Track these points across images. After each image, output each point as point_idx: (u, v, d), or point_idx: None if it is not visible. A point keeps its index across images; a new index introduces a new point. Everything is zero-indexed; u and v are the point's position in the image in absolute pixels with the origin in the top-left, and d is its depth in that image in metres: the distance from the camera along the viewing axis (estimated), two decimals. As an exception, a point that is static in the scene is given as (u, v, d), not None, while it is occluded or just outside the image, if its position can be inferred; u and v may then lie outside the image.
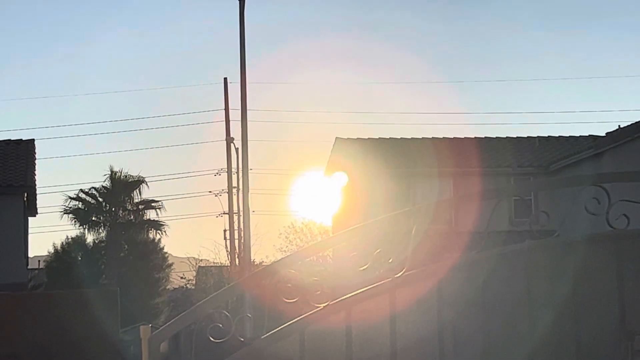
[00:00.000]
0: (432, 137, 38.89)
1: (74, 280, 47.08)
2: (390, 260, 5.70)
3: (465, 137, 39.27)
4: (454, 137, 39.13)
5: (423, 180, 34.77)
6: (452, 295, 6.12)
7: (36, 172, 34.01)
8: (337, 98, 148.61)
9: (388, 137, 39.14)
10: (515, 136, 39.54)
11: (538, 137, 39.46)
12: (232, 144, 41.84)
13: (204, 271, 47.42)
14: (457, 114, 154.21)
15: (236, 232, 41.87)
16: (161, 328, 5.65)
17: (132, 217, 58.99)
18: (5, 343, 7.86)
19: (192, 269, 50.39)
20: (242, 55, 29.11)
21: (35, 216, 37.25)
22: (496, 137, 39.35)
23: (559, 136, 39.69)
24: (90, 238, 58.25)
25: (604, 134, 34.09)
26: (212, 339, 5.64)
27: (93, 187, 58.98)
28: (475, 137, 39.26)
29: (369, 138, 38.94)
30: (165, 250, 61.07)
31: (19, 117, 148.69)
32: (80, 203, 58.38)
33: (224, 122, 43.76)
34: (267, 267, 5.90)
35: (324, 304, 5.65)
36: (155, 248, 59.61)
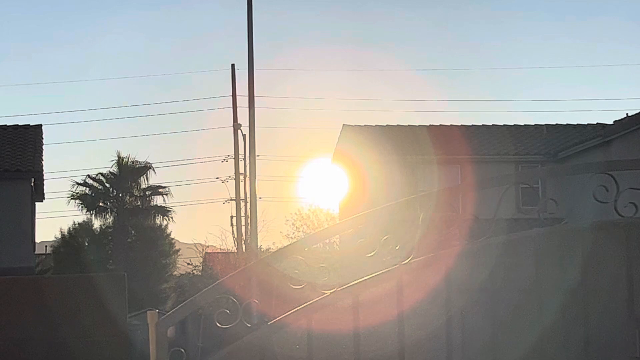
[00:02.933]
0: (440, 125, 38.85)
1: (81, 266, 47.22)
2: (397, 247, 5.69)
3: (472, 125, 39.21)
4: (462, 125, 39.07)
5: (430, 167, 34.73)
6: (460, 282, 6.11)
7: (44, 158, 34.05)
8: (344, 85, 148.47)
9: (395, 124, 39.12)
10: (523, 124, 39.48)
11: (546, 125, 39.35)
12: (239, 131, 41.81)
13: (210, 257, 47.42)
14: (464, 102, 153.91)
15: (243, 219, 41.87)
16: (168, 313, 5.66)
17: (139, 203, 59.08)
18: (13, 327, 7.90)
19: (198, 255, 50.40)
20: (250, 41, 29.07)
21: (42, 201, 37.25)
22: (504, 125, 39.26)
23: (567, 124, 39.57)
24: (97, 224, 58.45)
25: (612, 122, 34.01)
26: (219, 325, 5.63)
27: (100, 173, 59.11)
28: (483, 125, 39.21)
29: (376, 125, 38.90)
30: (172, 236, 61.22)
31: (26, 102, 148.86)
32: (87, 189, 58.48)
33: (232, 109, 43.78)
34: (274, 254, 5.89)
35: (331, 290, 5.65)
36: (162, 234, 59.72)
